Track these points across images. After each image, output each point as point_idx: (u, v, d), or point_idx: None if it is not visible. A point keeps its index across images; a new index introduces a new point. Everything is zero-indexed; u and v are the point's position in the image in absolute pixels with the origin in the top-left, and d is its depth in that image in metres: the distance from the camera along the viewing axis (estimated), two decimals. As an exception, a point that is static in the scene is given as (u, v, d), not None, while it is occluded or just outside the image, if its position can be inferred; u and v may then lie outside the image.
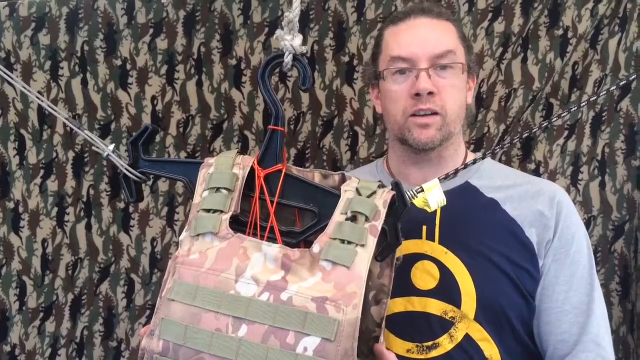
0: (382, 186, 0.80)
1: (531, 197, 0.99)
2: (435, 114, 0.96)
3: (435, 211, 0.86)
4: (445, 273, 0.95)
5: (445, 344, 0.94)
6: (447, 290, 0.94)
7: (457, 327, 0.93)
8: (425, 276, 0.96)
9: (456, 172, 0.95)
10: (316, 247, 0.74)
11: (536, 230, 0.96)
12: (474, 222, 0.97)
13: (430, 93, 0.95)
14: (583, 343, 0.94)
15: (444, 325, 0.94)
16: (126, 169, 0.87)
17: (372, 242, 0.75)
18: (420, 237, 0.97)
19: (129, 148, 0.87)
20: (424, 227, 0.97)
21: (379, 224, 0.76)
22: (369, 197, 0.77)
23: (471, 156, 1.06)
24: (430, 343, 0.94)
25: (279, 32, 0.82)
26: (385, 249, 0.78)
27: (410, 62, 0.96)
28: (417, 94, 0.95)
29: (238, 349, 0.70)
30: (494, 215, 0.98)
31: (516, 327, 0.95)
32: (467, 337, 0.93)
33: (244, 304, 0.72)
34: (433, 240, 0.97)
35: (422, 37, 0.97)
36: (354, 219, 0.76)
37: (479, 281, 0.94)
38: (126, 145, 0.90)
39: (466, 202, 0.99)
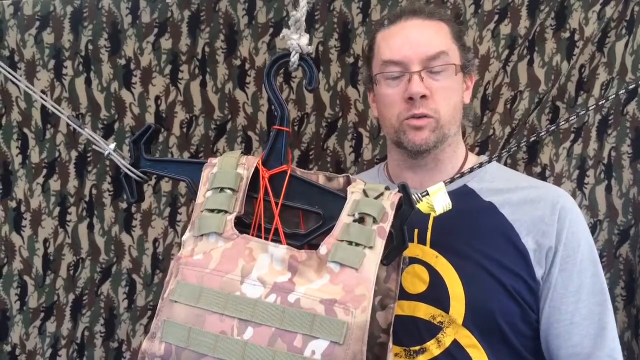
0: (388, 188, 0.79)
1: (531, 203, 0.96)
2: (428, 116, 0.94)
3: (428, 215, 0.85)
4: (435, 277, 0.93)
5: (433, 349, 0.92)
6: (436, 294, 0.92)
7: (445, 333, 0.91)
8: (415, 280, 0.94)
9: (462, 175, 0.93)
10: (323, 249, 0.73)
11: (533, 237, 0.93)
12: (467, 226, 0.95)
13: (424, 96, 0.93)
14: (598, 358, 0.91)
15: (431, 330, 0.92)
16: (127, 168, 0.86)
17: (380, 245, 0.73)
18: (412, 241, 0.95)
19: (131, 147, 0.86)
20: (416, 231, 0.95)
21: (387, 225, 0.75)
22: (376, 198, 0.76)
23: (472, 158, 1.05)
24: (417, 348, 0.92)
25: (285, 31, 0.81)
26: (391, 252, 0.77)
27: (402, 65, 0.94)
28: (411, 98, 0.93)
29: (243, 353, 0.69)
30: (490, 219, 0.96)
31: (507, 334, 0.92)
32: (455, 343, 0.91)
33: (250, 305, 0.71)
34: (424, 243, 0.95)
35: (414, 40, 0.95)
36: (361, 220, 0.75)
37: (468, 286, 0.92)
38: (128, 144, 0.89)
39: (461, 206, 0.95)
